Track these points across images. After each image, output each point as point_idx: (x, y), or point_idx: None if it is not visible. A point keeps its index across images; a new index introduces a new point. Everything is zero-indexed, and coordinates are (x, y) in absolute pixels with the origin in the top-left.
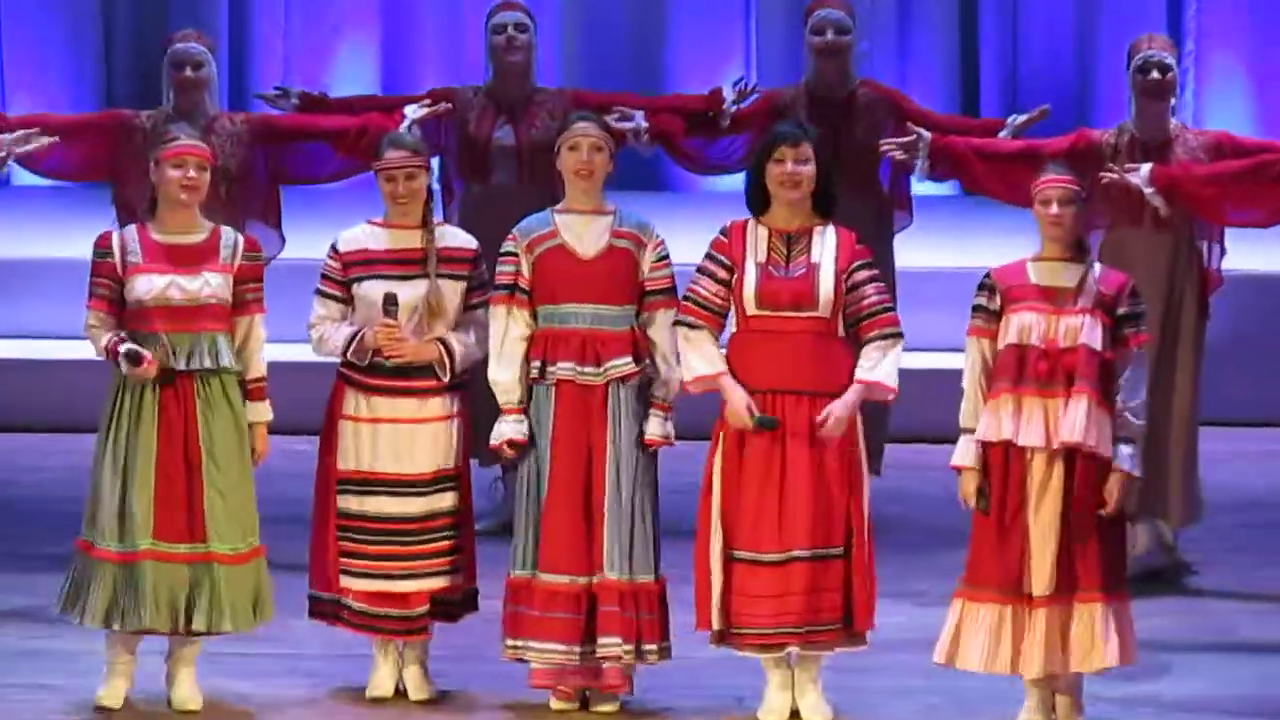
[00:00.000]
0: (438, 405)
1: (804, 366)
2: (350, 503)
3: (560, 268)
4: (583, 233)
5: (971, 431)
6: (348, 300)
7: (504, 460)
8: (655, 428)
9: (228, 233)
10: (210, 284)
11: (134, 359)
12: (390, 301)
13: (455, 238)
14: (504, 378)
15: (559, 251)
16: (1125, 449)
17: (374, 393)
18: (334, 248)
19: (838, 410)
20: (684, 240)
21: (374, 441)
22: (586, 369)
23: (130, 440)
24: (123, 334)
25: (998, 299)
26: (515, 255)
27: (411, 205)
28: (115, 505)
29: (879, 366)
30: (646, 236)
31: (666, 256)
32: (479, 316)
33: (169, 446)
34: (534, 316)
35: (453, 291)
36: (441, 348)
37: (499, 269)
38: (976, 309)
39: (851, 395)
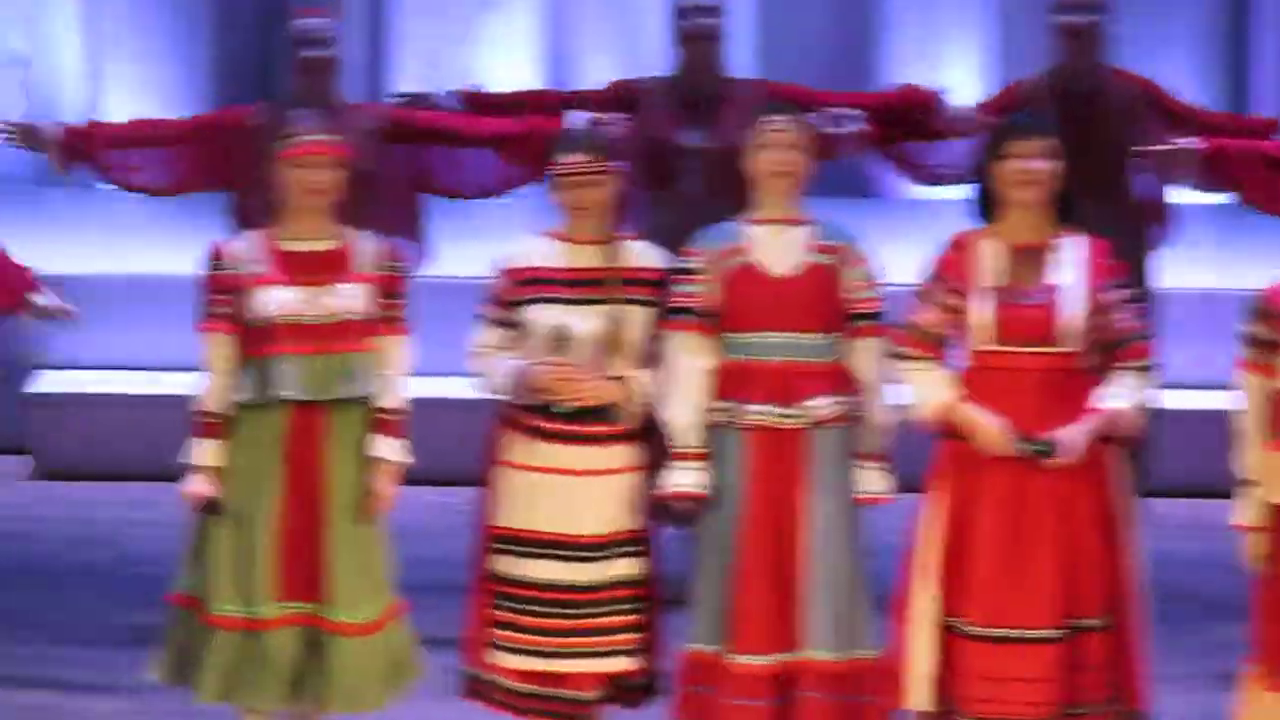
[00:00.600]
0: (618, 455)
1: (1048, 412)
2: (507, 565)
3: (750, 288)
4: (776, 246)
5: (1256, 485)
6: (517, 326)
7: (676, 515)
8: (871, 481)
9: (364, 238)
10: (346, 297)
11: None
12: (560, 336)
13: (642, 255)
14: (682, 417)
15: (748, 269)
16: None
17: (542, 437)
18: (501, 264)
19: (1069, 435)
20: (891, 255)
21: (539, 494)
22: (784, 411)
23: (253, 486)
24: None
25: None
26: (696, 273)
27: (592, 217)
28: (233, 560)
29: (1122, 397)
30: (851, 251)
31: (875, 274)
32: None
33: (296, 491)
34: (718, 346)
35: (638, 319)
36: (626, 388)
37: (676, 289)
38: (1250, 339)
39: (1088, 423)
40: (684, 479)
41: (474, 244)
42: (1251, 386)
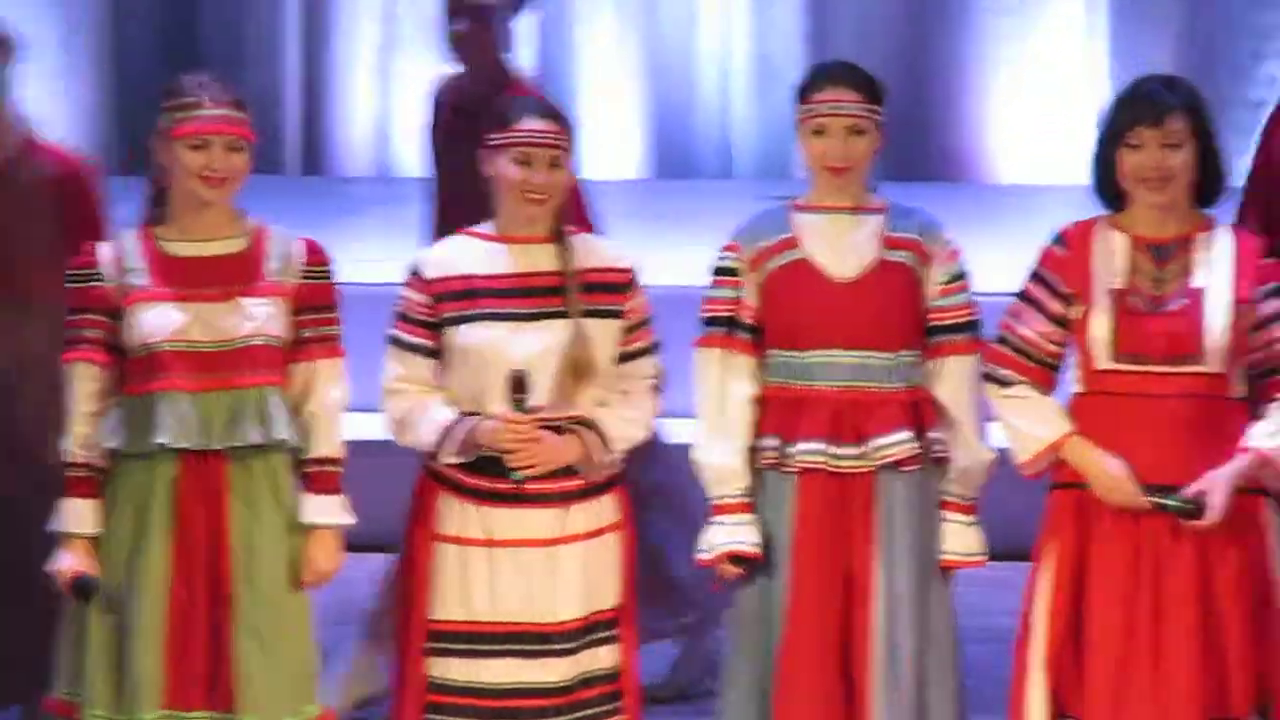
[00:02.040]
0: (588, 514)
1: (1186, 447)
2: (448, 668)
3: (804, 294)
4: (838, 241)
5: None
6: (440, 353)
7: (729, 578)
8: (956, 540)
9: (278, 237)
10: (254, 315)
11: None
12: (519, 387)
13: (605, 254)
14: (720, 459)
15: (802, 269)
16: None
17: (487, 500)
18: (416, 273)
19: (1218, 486)
20: (985, 253)
21: (490, 575)
22: (843, 450)
23: (132, 558)
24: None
25: None
26: (735, 274)
27: (546, 207)
28: (109, 655)
29: None
30: (935, 244)
31: (964, 275)
32: (640, 372)
33: (187, 567)
34: (762, 367)
35: (603, 336)
36: (590, 437)
37: (710, 295)
38: None
39: (1239, 466)
40: (729, 536)
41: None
42: None
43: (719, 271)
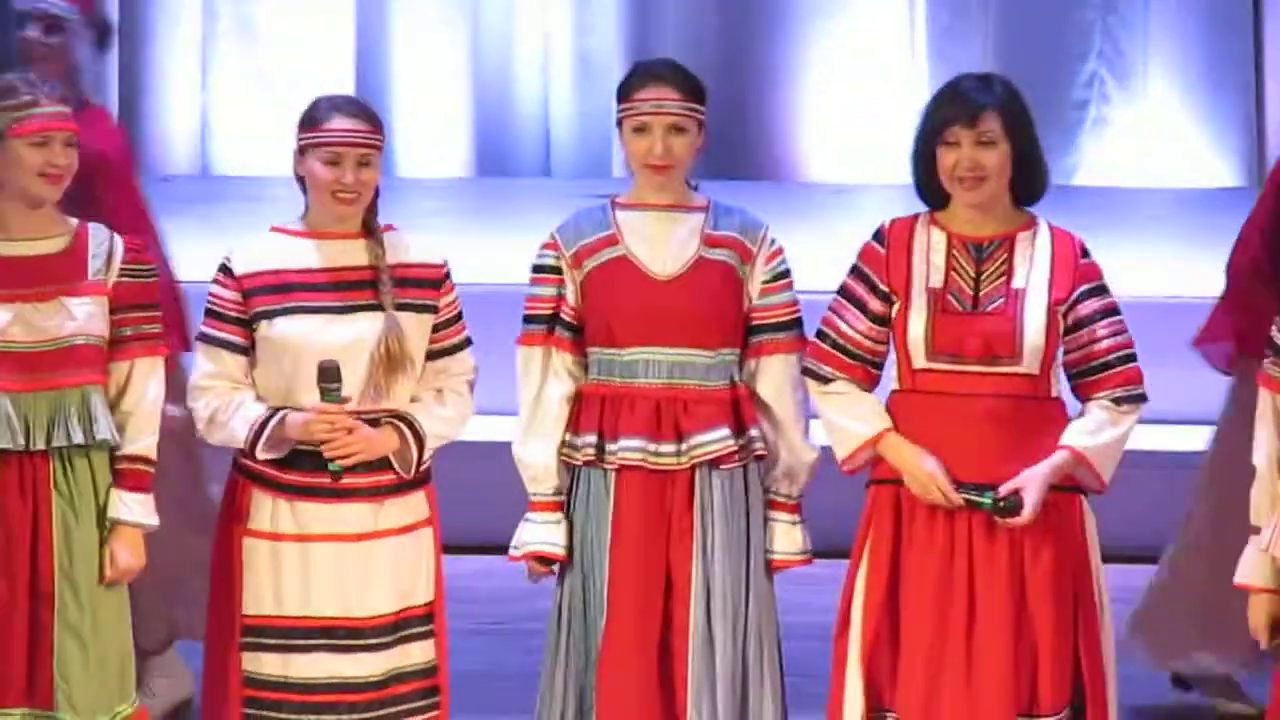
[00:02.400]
0: (400, 510)
1: (1001, 446)
2: (264, 663)
3: (624, 292)
4: (658, 238)
5: (1258, 533)
6: (251, 349)
7: (536, 576)
8: (782, 540)
9: (98, 234)
10: (75, 315)
11: None
12: (330, 376)
13: (416, 249)
14: (537, 457)
15: (622, 267)
16: None
17: (299, 495)
18: (226, 269)
19: (1033, 484)
20: (806, 251)
21: (303, 570)
22: (662, 447)
23: None
24: None
25: None
26: (556, 272)
27: (357, 204)
28: None
29: (1101, 434)
30: (756, 243)
31: (787, 273)
32: (455, 369)
33: (8, 564)
34: (583, 365)
35: (416, 331)
36: (406, 430)
37: (531, 292)
38: (1272, 346)
39: (1055, 464)
40: (539, 535)
41: None
42: (1269, 408)
43: (539, 269)
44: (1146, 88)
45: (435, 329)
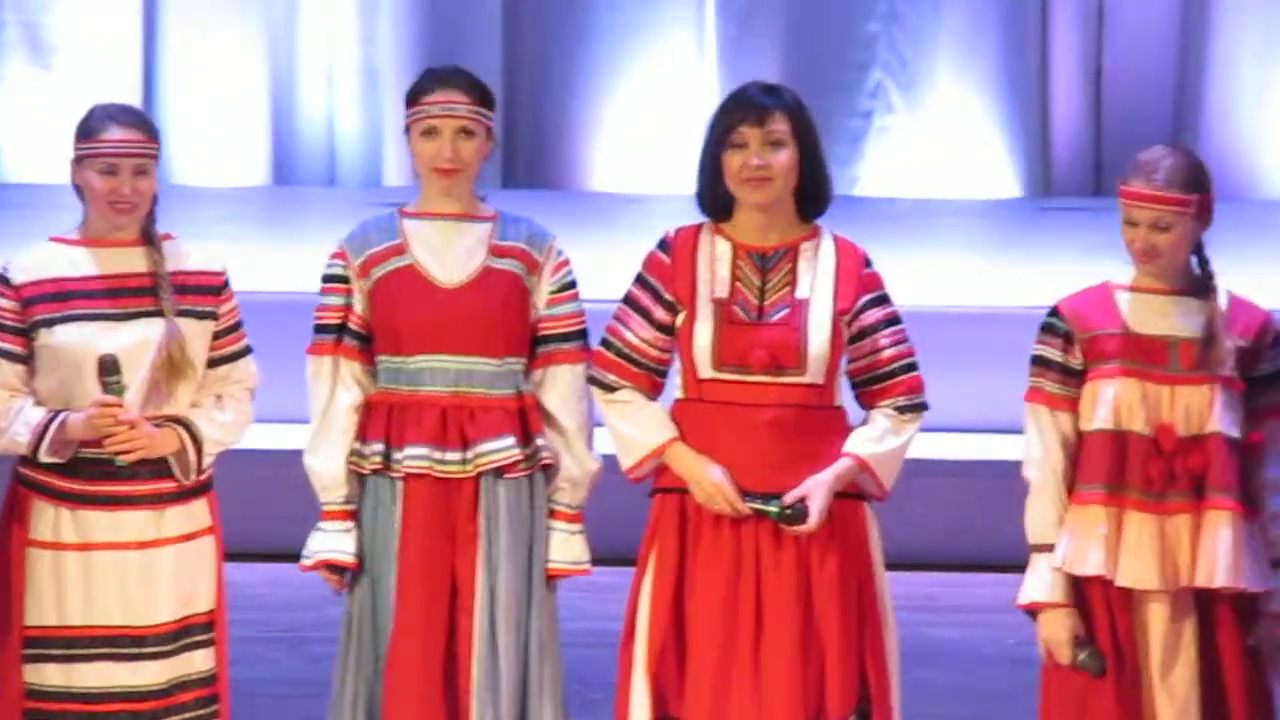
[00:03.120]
0: (181, 517)
1: (785, 457)
2: (46, 674)
3: (410, 301)
4: (444, 248)
5: (1049, 550)
6: (30, 358)
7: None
8: (561, 549)
9: None
10: None
11: None
12: (110, 369)
13: (195, 256)
14: (326, 466)
15: (408, 276)
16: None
17: (81, 503)
18: (3, 278)
19: (818, 491)
20: (593, 262)
21: (85, 579)
22: (448, 455)
23: None
24: None
25: (1078, 351)
26: (344, 281)
27: (135, 213)
28: None
29: (884, 442)
30: (542, 254)
31: (573, 284)
32: (235, 376)
33: None
34: (371, 374)
35: (197, 336)
36: (184, 434)
37: (320, 302)
38: (1042, 363)
39: (839, 471)
40: (328, 544)
41: None
42: (1051, 425)
43: (328, 279)
44: (931, 99)
45: (216, 336)
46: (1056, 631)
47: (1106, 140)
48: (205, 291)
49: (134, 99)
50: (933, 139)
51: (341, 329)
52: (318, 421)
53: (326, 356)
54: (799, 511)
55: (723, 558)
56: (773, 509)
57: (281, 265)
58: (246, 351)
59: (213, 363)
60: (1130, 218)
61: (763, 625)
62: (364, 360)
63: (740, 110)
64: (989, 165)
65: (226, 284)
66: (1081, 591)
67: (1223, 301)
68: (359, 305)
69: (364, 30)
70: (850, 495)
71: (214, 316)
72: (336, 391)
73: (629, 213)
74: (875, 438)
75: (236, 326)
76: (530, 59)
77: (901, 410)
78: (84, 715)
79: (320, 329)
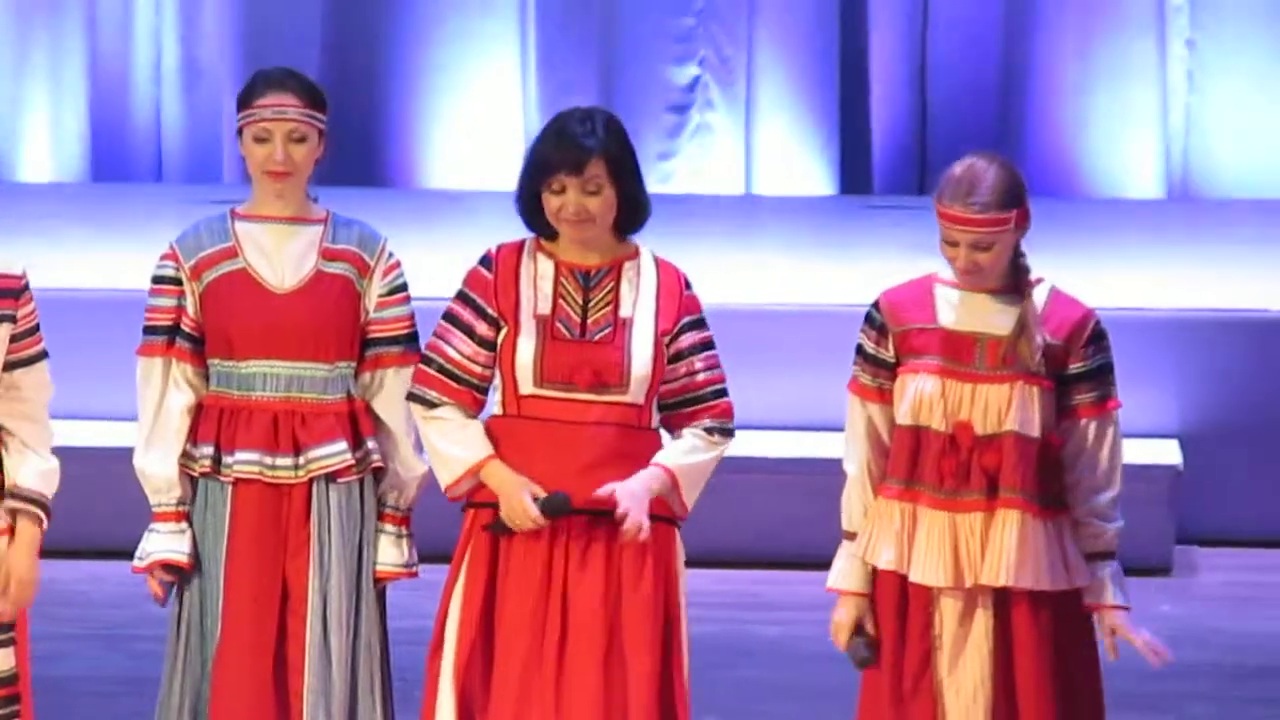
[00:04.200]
0: None
1: (604, 475)
2: None
3: (242, 305)
4: (276, 251)
5: (853, 539)
6: None
7: (160, 585)
8: (388, 552)
9: None
10: None
11: None
12: None
13: None
14: (158, 468)
15: (240, 279)
16: (1106, 569)
17: None
18: None
19: (635, 497)
20: (420, 256)
21: None
22: (279, 460)
23: None
24: None
25: (890, 344)
26: (176, 283)
27: None
28: None
29: (692, 456)
30: (373, 256)
31: (404, 288)
32: (30, 382)
33: None
34: (204, 376)
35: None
36: (39, 515)
37: (151, 303)
38: (860, 353)
39: (647, 479)
40: (161, 545)
41: None
42: (863, 415)
43: (159, 280)
44: (750, 95)
45: (13, 339)
46: (846, 616)
47: (930, 138)
48: (2, 295)
49: None
50: (752, 136)
51: (173, 330)
52: (149, 423)
53: (158, 358)
54: (556, 501)
55: (533, 571)
56: (547, 501)
57: (102, 262)
58: (42, 356)
59: (7, 366)
60: (950, 238)
61: (567, 639)
62: (196, 363)
63: (558, 154)
64: (804, 163)
65: (26, 286)
66: (877, 583)
67: (1041, 298)
68: (191, 307)
69: (187, 26)
70: (662, 519)
71: (11, 320)
72: (169, 393)
73: (453, 210)
74: (685, 451)
75: (34, 330)
76: (354, 54)
77: (710, 432)
78: None
79: (150, 330)
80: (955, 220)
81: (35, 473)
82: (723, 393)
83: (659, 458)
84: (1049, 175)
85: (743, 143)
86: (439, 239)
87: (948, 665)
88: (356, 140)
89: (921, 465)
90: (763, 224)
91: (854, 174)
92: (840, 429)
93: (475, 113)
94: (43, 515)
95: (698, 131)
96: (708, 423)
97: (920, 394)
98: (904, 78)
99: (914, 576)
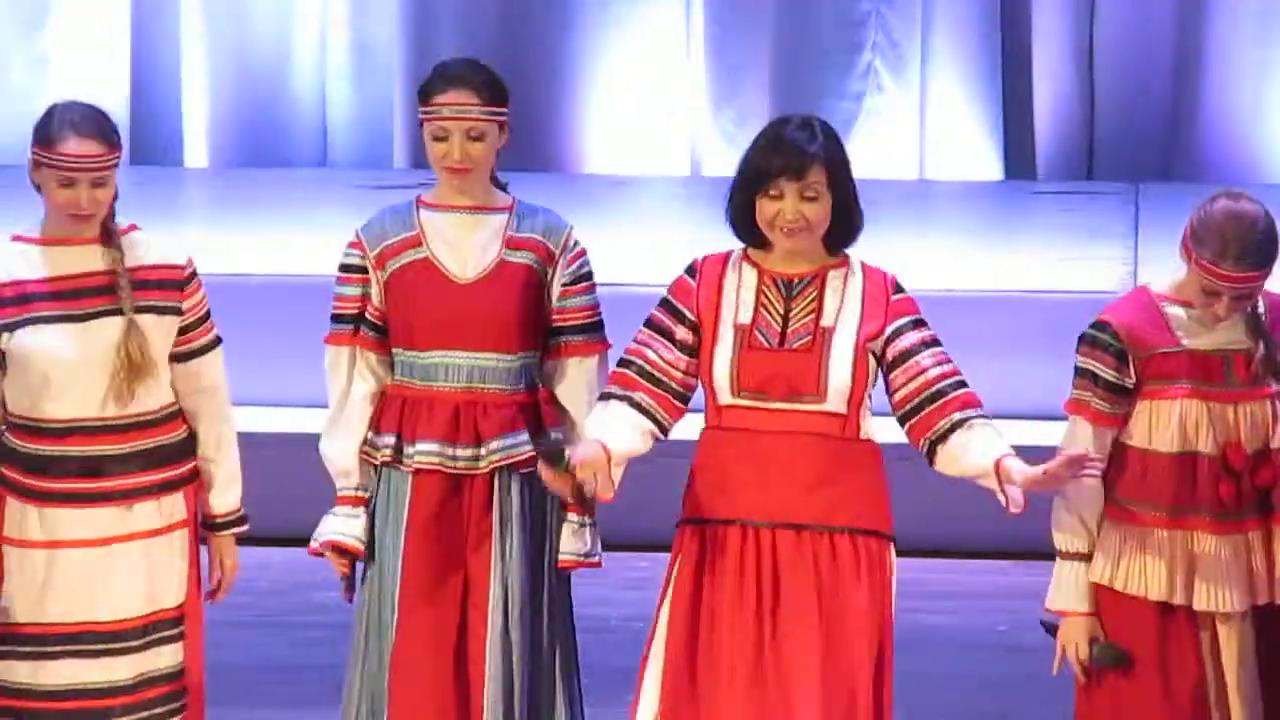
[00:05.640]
0: (150, 513)
1: (803, 488)
2: (15, 671)
3: (424, 295)
4: (460, 241)
5: (1082, 559)
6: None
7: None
8: (570, 541)
9: None
10: None
11: None
12: None
13: (155, 250)
14: (339, 454)
15: (423, 269)
16: None
17: (48, 501)
18: None
19: (1028, 476)
20: (605, 246)
21: (50, 577)
22: (460, 451)
23: None
24: None
25: (1132, 370)
26: (361, 271)
27: (93, 220)
28: None
29: (1004, 442)
30: (559, 245)
31: (589, 276)
32: (205, 372)
33: None
34: (388, 364)
35: (158, 334)
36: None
37: (338, 291)
38: (1088, 376)
39: (1025, 470)
40: (337, 527)
41: None
42: (1085, 436)
43: (345, 268)
44: (922, 80)
45: (182, 331)
46: (1076, 635)
47: (1099, 123)
48: (168, 286)
49: (122, 87)
50: (923, 121)
51: (359, 319)
52: (335, 410)
53: (344, 347)
54: (550, 446)
55: (741, 584)
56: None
57: (269, 247)
58: (215, 344)
59: (180, 358)
60: (1213, 289)
61: (780, 650)
62: (380, 351)
63: (780, 159)
64: (978, 148)
65: (192, 276)
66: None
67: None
68: (375, 296)
69: (355, 6)
70: (879, 534)
71: (178, 311)
72: (353, 381)
73: (615, 195)
74: (997, 441)
75: (204, 319)
76: (520, 35)
77: (970, 421)
78: (51, 712)
79: (338, 319)
80: (1226, 279)
81: (225, 476)
82: (963, 384)
83: (994, 454)
84: (1225, 163)
85: (916, 128)
86: (602, 224)
87: (1234, 683)
88: (519, 124)
89: (1193, 491)
90: (937, 209)
91: (1019, 159)
92: (1004, 416)
93: (637, 98)
94: (241, 529)
95: (869, 118)
96: (969, 413)
97: (1186, 419)
98: (1069, 60)
99: (1201, 604)
